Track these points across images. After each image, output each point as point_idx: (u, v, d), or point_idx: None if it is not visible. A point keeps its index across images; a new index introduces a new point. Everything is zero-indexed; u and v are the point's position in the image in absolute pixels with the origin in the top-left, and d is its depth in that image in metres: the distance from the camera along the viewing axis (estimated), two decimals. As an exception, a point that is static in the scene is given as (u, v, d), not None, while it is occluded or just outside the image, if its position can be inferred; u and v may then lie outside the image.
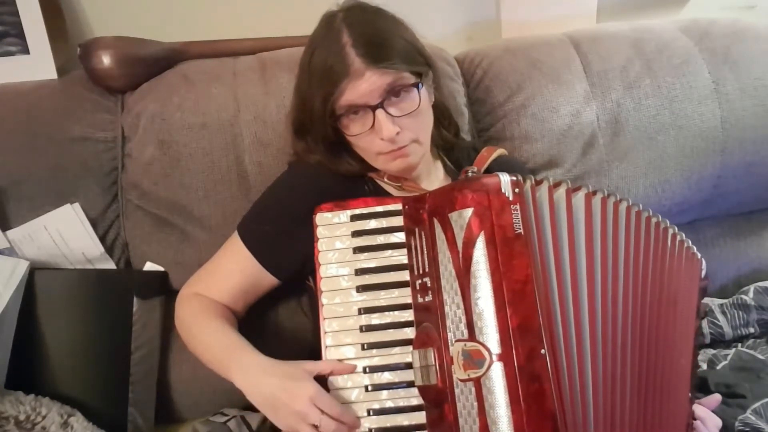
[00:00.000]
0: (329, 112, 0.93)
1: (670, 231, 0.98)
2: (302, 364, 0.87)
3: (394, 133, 0.92)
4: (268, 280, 1.03)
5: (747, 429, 1.07)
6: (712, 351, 1.29)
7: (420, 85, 0.94)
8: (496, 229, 0.83)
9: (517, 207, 0.84)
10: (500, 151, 1.09)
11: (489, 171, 1.00)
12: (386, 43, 0.92)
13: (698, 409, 0.97)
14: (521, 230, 0.83)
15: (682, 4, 1.66)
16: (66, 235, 1.14)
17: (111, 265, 1.19)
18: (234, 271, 1.03)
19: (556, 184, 0.90)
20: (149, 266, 1.19)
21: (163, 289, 1.20)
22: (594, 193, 0.91)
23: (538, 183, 0.88)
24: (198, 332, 0.99)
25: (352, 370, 0.86)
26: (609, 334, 0.86)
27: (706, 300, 1.38)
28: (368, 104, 0.92)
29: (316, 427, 0.82)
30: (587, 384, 0.83)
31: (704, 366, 1.25)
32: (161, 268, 1.19)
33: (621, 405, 0.85)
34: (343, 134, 0.97)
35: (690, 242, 1.01)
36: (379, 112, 0.91)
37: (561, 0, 1.52)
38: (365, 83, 0.90)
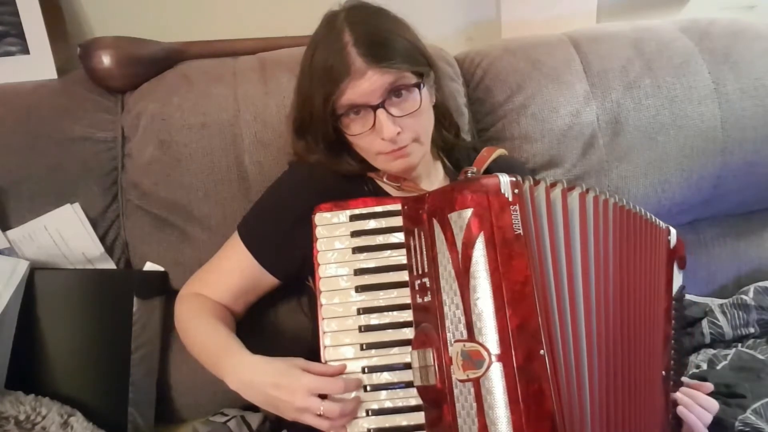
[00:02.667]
0: (330, 111, 0.93)
1: (642, 216, 0.97)
2: (294, 359, 0.86)
3: (395, 133, 0.92)
4: (267, 280, 1.03)
5: (747, 429, 1.07)
6: (712, 351, 1.29)
7: (421, 85, 0.94)
8: (495, 230, 0.82)
9: (517, 208, 0.84)
10: (500, 152, 1.09)
11: (489, 171, 1.00)
12: (388, 42, 0.92)
13: (684, 391, 0.96)
14: (520, 231, 0.83)
15: (682, 4, 1.66)
16: (66, 235, 1.15)
17: (111, 265, 1.19)
18: (234, 270, 1.03)
19: (553, 185, 0.90)
20: (149, 266, 1.19)
21: (163, 289, 1.20)
22: (587, 191, 0.92)
23: (536, 183, 0.88)
24: (193, 332, 0.99)
25: (342, 371, 0.86)
26: (602, 332, 0.86)
27: (706, 300, 1.38)
28: (369, 104, 0.92)
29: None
30: (584, 383, 0.83)
31: (704, 366, 1.25)
32: (161, 268, 1.19)
33: (614, 401, 0.86)
34: (344, 134, 0.97)
35: (658, 219, 1.00)
36: (380, 112, 0.91)
37: (561, 0, 1.52)
38: (366, 83, 0.90)
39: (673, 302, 0.99)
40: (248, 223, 1.05)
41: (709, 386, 0.97)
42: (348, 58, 0.90)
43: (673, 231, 1.02)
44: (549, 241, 0.86)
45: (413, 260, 0.89)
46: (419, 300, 0.87)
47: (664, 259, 0.99)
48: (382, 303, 0.89)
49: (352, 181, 1.02)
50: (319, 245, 0.91)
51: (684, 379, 0.99)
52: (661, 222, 1.00)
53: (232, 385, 0.88)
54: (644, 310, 0.93)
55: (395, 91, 0.92)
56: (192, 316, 1.01)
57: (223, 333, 0.95)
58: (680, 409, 0.93)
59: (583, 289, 0.86)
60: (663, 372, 0.94)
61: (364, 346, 0.87)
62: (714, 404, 0.96)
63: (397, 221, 0.92)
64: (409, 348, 0.86)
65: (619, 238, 0.92)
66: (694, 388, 0.96)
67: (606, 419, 0.84)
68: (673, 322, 0.98)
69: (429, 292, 0.86)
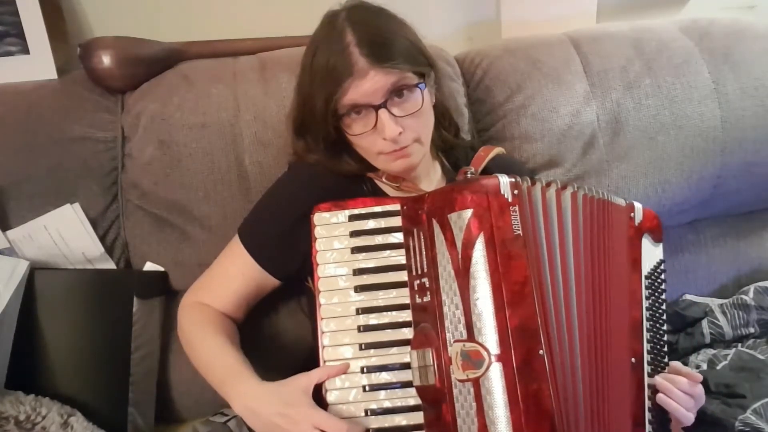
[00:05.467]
0: (332, 111, 0.93)
1: (608, 201, 0.95)
2: (297, 381, 0.85)
3: (397, 133, 0.92)
4: (269, 282, 1.03)
5: (747, 429, 1.07)
6: (712, 351, 1.29)
7: (423, 85, 0.94)
8: (495, 231, 0.83)
9: (516, 208, 0.84)
10: (497, 150, 1.08)
11: (487, 170, 1.01)
12: (390, 42, 0.92)
13: (664, 376, 0.92)
14: (520, 231, 0.84)
15: (682, 4, 1.66)
16: (66, 235, 1.15)
17: (111, 265, 1.19)
18: (236, 275, 1.02)
19: (548, 184, 0.90)
20: (149, 266, 1.19)
21: (163, 289, 1.20)
22: (577, 190, 0.92)
23: (533, 183, 0.89)
24: (199, 349, 0.98)
25: (344, 370, 0.86)
26: (591, 330, 0.87)
27: (706, 300, 1.38)
28: (371, 104, 0.91)
29: None
30: (578, 382, 0.84)
31: (704, 366, 1.26)
32: (161, 268, 1.19)
33: (598, 396, 0.86)
34: (345, 134, 0.97)
35: (616, 198, 0.97)
36: (382, 112, 0.91)
37: (561, 0, 1.52)
38: (369, 83, 0.90)
39: (646, 281, 0.96)
40: (248, 225, 1.05)
41: (698, 376, 0.92)
42: (350, 58, 0.90)
43: (637, 206, 0.99)
44: (545, 241, 0.87)
45: (412, 260, 0.89)
46: (418, 300, 0.87)
47: (626, 240, 0.97)
48: (381, 303, 0.89)
49: (351, 181, 1.02)
50: (318, 245, 0.92)
51: (676, 363, 0.94)
52: (621, 200, 0.98)
53: (237, 410, 0.87)
54: (612, 297, 0.92)
55: (397, 91, 0.92)
56: (197, 331, 0.99)
57: (229, 354, 0.93)
58: (660, 397, 0.90)
59: (576, 288, 0.87)
60: (633, 359, 0.92)
61: (363, 346, 0.87)
62: (698, 389, 0.91)
63: (396, 221, 0.92)
64: (408, 348, 0.86)
65: (605, 235, 0.93)
66: (685, 376, 0.91)
67: (598, 415, 0.85)
68: (646, 302, 0.95)
69: (428, 292, 0.86)
